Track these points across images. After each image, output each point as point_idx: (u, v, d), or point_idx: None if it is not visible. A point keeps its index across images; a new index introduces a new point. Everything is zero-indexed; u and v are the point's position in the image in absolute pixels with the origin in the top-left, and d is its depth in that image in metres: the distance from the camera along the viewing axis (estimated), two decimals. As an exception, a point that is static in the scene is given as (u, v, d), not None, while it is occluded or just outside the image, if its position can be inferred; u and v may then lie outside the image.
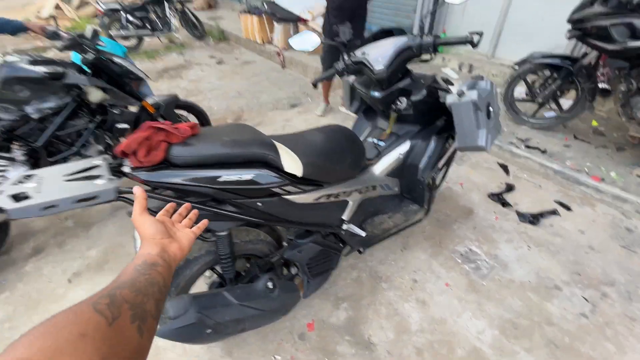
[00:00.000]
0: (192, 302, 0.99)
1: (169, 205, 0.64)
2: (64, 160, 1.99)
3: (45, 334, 0.29)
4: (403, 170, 1.60)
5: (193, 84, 4.38)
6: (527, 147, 2.54)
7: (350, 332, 1.49)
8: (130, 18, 5.54)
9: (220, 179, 0.95)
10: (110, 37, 5.47)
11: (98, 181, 0.84)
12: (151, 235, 0.53)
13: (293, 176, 1.07)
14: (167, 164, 0.93)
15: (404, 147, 1.55)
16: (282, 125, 3.24)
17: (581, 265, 1.77)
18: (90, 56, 1.93)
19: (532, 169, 2.48)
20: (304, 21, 4.71)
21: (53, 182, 0.83)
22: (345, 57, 1.50)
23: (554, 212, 2.10)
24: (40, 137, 1.86)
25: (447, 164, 1.71)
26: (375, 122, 1.72)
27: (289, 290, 1.23)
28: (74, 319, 0.32)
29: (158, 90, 4.18)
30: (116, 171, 0.95)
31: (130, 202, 0.88)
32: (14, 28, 2.09)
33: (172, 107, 2.43)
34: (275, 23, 4.96)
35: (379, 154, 1.55)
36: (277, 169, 1.04)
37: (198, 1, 8.28)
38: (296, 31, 4.94)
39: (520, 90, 2.85)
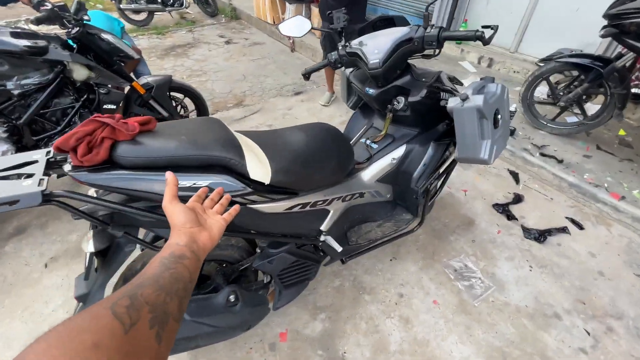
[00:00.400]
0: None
1: (201, 191, 0.64)
2: (49, 139, 1.92)
3: (58, 343, 0.29)
4: (396, 177, 1.45)
5: (198, 63, 4.25)
6: (542, 155, 2.33)
7: (324, 346, 1.40)
8: (142, -9, 5.39)
9: (172, 185, 0.83)
10: (120, 10, 5.36)
11: (27, 181, 0.74)
12: (181, 223, 0.52)
13: (260, 183, 0.95)
14: (112, 164, 0.82)
15: (398, 152, 1.40)
16: (283, 114, 3.10)
17: (587, 293, 1.61)
18: (73, 31, 1.81)
19: (545, 179, 2.28)
20: (317, 1, 4.45)
21: (-24, 180, 0.73)
22: (340, 47, 1.34)
23: (563, 230, 1.92)
24: (23, 114, 1.79)
25: (447, 172, 1.55)
26: (371, 121, 1.57)
27: (255, 304, 1.14)
28: (90, 326, 0.31)
29: (162, 68, 4.08)
30: (58, 167, 0.85)
31: (65, 206, 0.78)
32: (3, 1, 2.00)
33: (165, 89, 2.31)
34: (287, 3, 4.72)
35: (370, 158, 1.41)
36: (241, 175, 0.92)
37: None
38: (308, 13, 4.69)
39: (542, 91, 2.61)
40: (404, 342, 1.42)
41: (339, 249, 1.24)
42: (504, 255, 1.79)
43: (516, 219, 2.00)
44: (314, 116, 3.04)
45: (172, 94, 2.44)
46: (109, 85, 2.05)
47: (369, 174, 1.39)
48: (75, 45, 1.88)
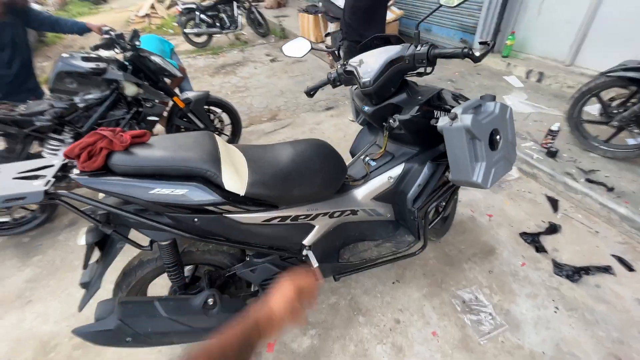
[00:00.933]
0: (118, 307, 1.01)
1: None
2: None
3: None
4: (395, 196, 1.41)
5: (243, 80, 4.59)
6: (589, 181, 2.04)
7: (308, 362, 1.39)
8: (203, 17, 6.05)
9: (153, 191, 0.94)
10: (185, 34, 6.07)
11: (37, 182, 0.90)
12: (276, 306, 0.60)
13: (236, 195, 1.01)
14: (107, 171, 0.95)
15: (395, 171, 1.37)
16: (310, 129, 3.18)
17: (626, 348, 1.35)
18: (127, 54, 2.13)
19: (590, 209, 1.98)
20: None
21: (3, 178, 0.91)
22: (339, 65, 1.37)
23: (606, 270, 1.65)
24: (85, 123, 2.13)
25: (450, 194, 1.45)
26: (376, 138, 1.55)
27: (233, 310, 1.18)
28: None
29: (211, 85, 4.49)
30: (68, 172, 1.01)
31: (67, 205, 0.92)
32: (79, 29, 2.44)
33: (202, 103, 2.56)
34: (328, 22, 4.89)
35: (367, 175, 1.39)
36: (217, 186, 0.99)
37: (269, 0, 8.66)
38: (349, 30, 4.80)
39: (596, 108, 2.30)
40: (392, 371, 1.34)
41: (315, 264, 1.23)
42: (525, 291, 1.59)
43: (546, 251, 1.77)
44: (340, 131, 3.07)
45: (212, 108, 2.70)
46: (155, 100, 2.34)
47: (364, 191, 1.37)
48: (130, 66, 2.20)
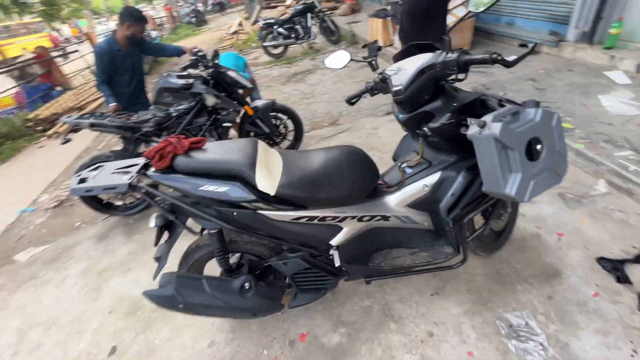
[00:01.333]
0: (175, 279, 1.25)
1: None
2: None
3: None
4: (431, 205, 1.38)
5: (311, 87, 4.87)
6: None
7: (335, 358, 1.45)
8: (280, 30, 6.60)
9: (202, 188, 1.14)
10: (264, 47, 6.71)
11: (125, 176, 1.19)
12: None
13: (267, 194, 1.15)
14: (173, 170, 1.20)
15: (431, 179, 1.34)
16: (367, 133, 3.22)
17: None
18: (209, 71, 2.54)
19: None
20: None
21: (105, 172, 1.23)
22: (376, 74, 1.41)
23: None
24: (177, 129, 2.60)
25: (495, 206, 1.34)
26: (416, 145, 1.53)
27: (265, 296, 1.33)
28: None
29: (282, 92, 4.88)
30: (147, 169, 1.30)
31: (145, 195, 1.19)
32: (177, 52, 3.02)
33: (269, 111, 2.87)
34: (397, 25, 4.81)
35: (401, 182, 1.40)
36: (253, 186, 1.15)
37: (343, 7, 8.91)
38: (418, 32, 4.64)
39: None
40: (417, 383, 1.31)
41: (337, 263, 1.29)
42: (594, 325, 1.36)
43: (631, 283, 1.47)
44: (397, 136, 2.98)
45: (278, 114, 3.01)
46: (230, 109, 2.72)
47: (397, 198, 1.38)
48: (211, 81, 2.60)
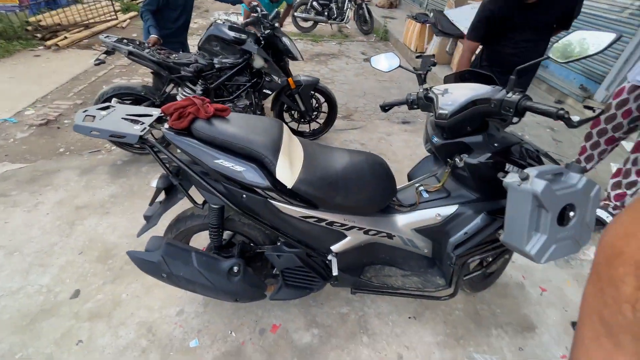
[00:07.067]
0: (163, 246, 1.18)
1: None
2: (223, 103, 2.55)
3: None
4: (438, 235, 1.35)
5: (332, 73, 4.71)
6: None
7: (302, 357, 1.44)
8: (315, 4, 6.31)
9: (217, 161, 1.06)
10: (293, 16, 6.41)
11: (137, 126, 1.09)
12: None
13: (283, 185, 1.09)
14: (189, 133, 1.10)
15: (446, 210, 1.30)
16: (379, 137, 3.15)
17: None
18: (265, 32, 2.39)
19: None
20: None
21: (115, 116, 1.12)
22: (421, 89, 1.34)
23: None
24: (215, 81, 2.46)
25: (497, 253, 1.33)
26: (438, 170, 1.49)
27: (251, 284, 1.29)
28: None
29: (302, 70, 4.70)
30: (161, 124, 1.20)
31: (152, 151, 1.10)
32: (234, 0, 2.80)
33: (310, 88, 2.73)
34: (434, 34, 4.69)
35: (415, 205, 1.36)
36: (270, 173, 1.08)
37: (382, -1, 8.59)
38: (454, 47, 4.55)
39: None
40: (377, 402, 1.32)
41: (335, 272, 1.26)
42: (555, 386, 1.41)
43: (598, 354, 1.52)
44: (409, 148, 2.98)
45: (317, 95, 2.86)
46: (274, 76, 2.57)
47: (406, 220, 1.35)
48: (262, 42, 2.44)
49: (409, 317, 1.63)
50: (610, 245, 0.24)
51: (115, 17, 6.08)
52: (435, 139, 1.27)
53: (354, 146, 3.01)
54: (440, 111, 1.17)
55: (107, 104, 1.17)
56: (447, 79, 1.35)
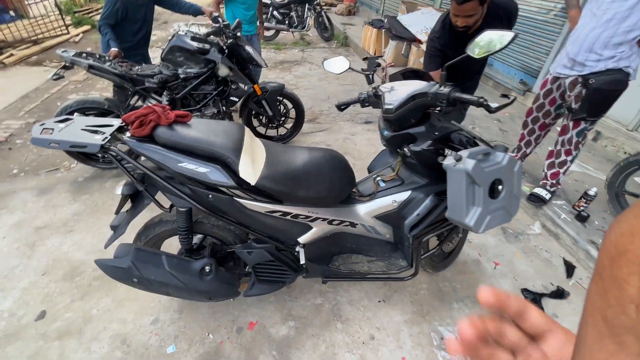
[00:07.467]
0: (133, 252, 1.21)
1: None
2: (190, 112, 2.55)
3: None
4: (396, 220, 1.48)
5: (296, 79, 4.83)
6: (614, 255, 1.92)
7: (280, 349, 1.50)
8: (275, 13, 6.43)
9: (181, 164, 1.11)
10: (255, 26, 6.48)
11: (97, 136, 1.11)
12: None
13: (247, 183, 1.16)
14: (152, 140, 1.14)
15: (401, 196, 1.43)
16: (344, 138, 3.29)
17: None
18: (228, 41, 2.44)
19: (607, 284, 1.87)
20: (419, 42, 4.56)
21: (75, 127, 1.14)
22: (371, 88, 1.47)
23: (604, 350, 1.55)
24: (181, 91, 2.46)
25: (452, 231, 1.48)
26: (393, 161, 1.62)
27: (225, 282, 1.33)
28: None
29: (267, 77, 4.78)
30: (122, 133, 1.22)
31: (114, 159, 1.13)
32: (195, 11, 2.87)
33: (277, 94, 2.80)
34: (390, 39, 4.96)
35: (373, 194, 1.48)
36: (234, 172, 1.15)
37: (340, 7, 8.90)
38: (408, 50, 4.83)
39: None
40: (353, 381, 1.41)
41: (302, 261, 1.34)
42: (509, 346, 1.57)
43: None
44: (372, 146, 3.14)
45: (284, 101, 2.94)
46: (240, 84, 2.62)
47: (367, 208, 1.46)
48: (226, 51, 2.48)
49: (379, 301, 1.74)
50: (614, 244, 0.22)
51: (66, 31, 5.83)
52: (386, 132, 1.40)
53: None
54: (387, 106, 1.30)
55: (65, 116, 1.18)
56: (393, 78, 1.49)
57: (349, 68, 1.53)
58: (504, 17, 1.91)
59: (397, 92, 1.33)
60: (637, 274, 0.21)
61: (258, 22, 3.39)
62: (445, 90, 1.16)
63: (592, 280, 0.24)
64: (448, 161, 1.14)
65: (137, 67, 2.38)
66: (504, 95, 1.10)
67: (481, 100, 1.05)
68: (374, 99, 1.44)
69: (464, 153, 1.10)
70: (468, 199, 1.11)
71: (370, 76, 1.48)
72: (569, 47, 1.95)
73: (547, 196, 2.28)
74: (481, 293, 0.34)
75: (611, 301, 0.22)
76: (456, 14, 1.80)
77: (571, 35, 1.98)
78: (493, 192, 1.13)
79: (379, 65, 1.48)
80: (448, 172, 1.13)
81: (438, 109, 1.25)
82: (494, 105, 1.07)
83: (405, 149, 1.34)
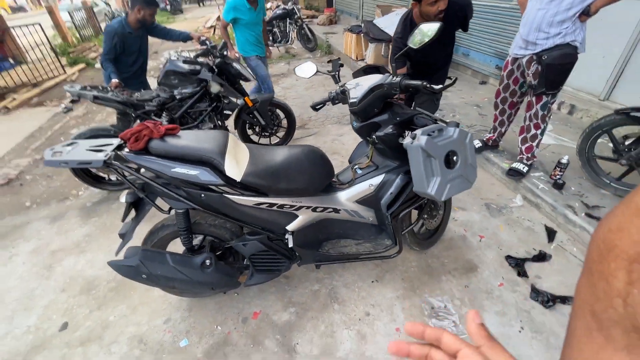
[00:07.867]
0: (140, 252, 1.36)
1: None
2: (189, 129, 2.74)
3: None
4: (375, 202, 1.62)
5: (284, 90, 5.04)
6: (589, 216, 2.04)
7: (283, 333, 1.63)
8: (258, 31, 6.70)
9: (174, 170, 1.28)
10: (240, 45, 6.76)
11: (100, 154, 1.28)
12: None
13: (234, 180, 1.32)
14: (147, 152, 1.31)
15: (377, 179, 1.58)
16: (332, 139, 3.46)
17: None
18: (216, 61, 2.66)
19: (586, 243, 1.98)
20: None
21: (80, 149, 1.31)
22: (338, 86, 1.63)
23: (585, 303, 1.66)
24: (178, 111, 2.67)
25: (421, 206, 1.61)
26: (368, 150, 1.78)
27: (225, 274, 1.48)
28: None
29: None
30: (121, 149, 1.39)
31: (117, 172, 1.29)
32: (184, 38, 3.14)
33: (267, 104, 3.00)
34: (369, 42, 5.18)
35: (352, 181, 1.62)
36: (221, 172, 1.31)
37: (322, 17, 9.22)
38: (387, 50, 5.04)
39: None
40: (351, 353, 1.53)
41: (291, 245, 1.49)
42: (495, 308, 1.68)
43: (527, 277, 1.82)
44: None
45: (277, 110, 3.15)
46: (232, 98, 2.84)
47: (347, 194, 1.61)
48: (216, 70, 2.70)
49: (372, 282, 1.86)
50: (602, 239, 0.23)
51: (63, 71, 6.14)
52: (355, 124, 1.56)
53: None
54: (352, 100, 1.46)
55: (71, 140, 1.36)
56: (356, 75, 1.65)
57: (317, 71, 1.70)
58: (459, 12, 2.09)
59: (361, 87, 1.50)
60: (625, 269, 0.21)
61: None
62: (396, 79, 1.32)
63: (581, 275, 0.25)
64: (406, 140, 1.29)
65: (136, 94, 2.59)
66: (449, 77, 1.26)
67: (424, 84, 1.21)
68: (342, 96, 1.60)
69: (418, 132, 1.25)
70: (427, 171, 1.25)
71: (336, 76, 1.65)
72: (522, 29, 2.12)
73: (525, 169, 2.41)
74: (406, 327, 0.40)
75: (599, 295, 0.23)
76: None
77: (522, 18, 2.14)
78: (449, 163, 1.28)
79: (341, 65, 1.64)
80: (408, 150, 1.28)
81: (393, 95, 1.41)
82: (437, 87, 1.22)
83: (373, 136, 1.50)
